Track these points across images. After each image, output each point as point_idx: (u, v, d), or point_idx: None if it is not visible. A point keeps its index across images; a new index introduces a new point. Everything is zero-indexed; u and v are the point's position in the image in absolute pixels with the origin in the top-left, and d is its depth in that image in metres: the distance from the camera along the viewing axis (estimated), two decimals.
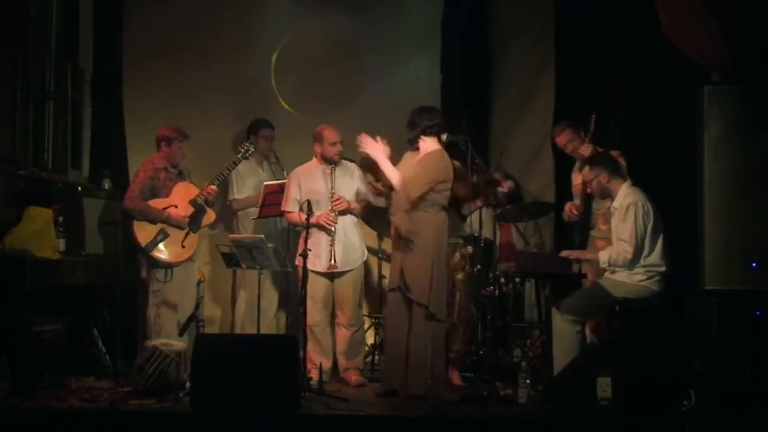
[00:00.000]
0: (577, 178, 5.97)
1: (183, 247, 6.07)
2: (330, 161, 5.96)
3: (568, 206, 6.01)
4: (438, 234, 5.46)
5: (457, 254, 5.85)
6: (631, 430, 4.74)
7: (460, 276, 5.84)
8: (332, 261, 5.80)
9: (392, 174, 5.46)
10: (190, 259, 6.17)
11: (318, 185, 5.95)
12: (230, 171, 6.25)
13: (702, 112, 5.05)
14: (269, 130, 6.85)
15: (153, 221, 6.02)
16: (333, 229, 5.83)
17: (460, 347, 5.86)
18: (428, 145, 5.54)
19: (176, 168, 6.18)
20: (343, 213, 5.91)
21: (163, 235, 5.99)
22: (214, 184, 6.14)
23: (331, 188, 5.89)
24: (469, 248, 5.89)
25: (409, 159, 5.59)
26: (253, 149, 6.30)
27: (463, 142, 5.76)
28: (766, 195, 4.99)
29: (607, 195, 5.49)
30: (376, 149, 5.47)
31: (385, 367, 5.68)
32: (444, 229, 5.49)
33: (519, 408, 5.08)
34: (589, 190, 5.58)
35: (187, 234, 6.09)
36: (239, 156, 6.21)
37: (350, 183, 6.00)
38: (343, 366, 6.02)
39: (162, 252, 6.01)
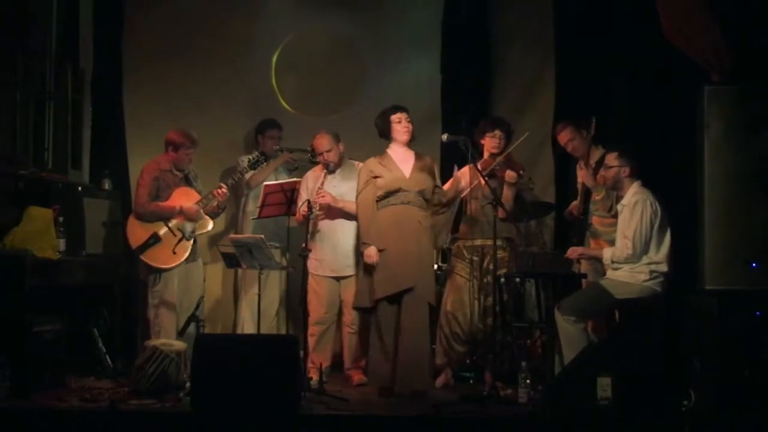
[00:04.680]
0: (581, 175, 5.96)
1: (174, 253, 6.05)
2: (325, 166, 6.04)
3: (572, 206, 6.05)
4: (430, 234, 5.62)
5: (489, 257, 5.82)
6: (631, 430, 4.74)
7: (490, 279, 5.82)
8: (305, 245, 5.75)
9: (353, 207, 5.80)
10: (193, 259, 6.17)
11: (316, 187, 6.05)
12: (237, 180, 6.30)
13: (702, 112, 5.05)
14: (276, 130, 6.86)
15: (167, 218, 6.03)
16: (311, 215, 5.80)
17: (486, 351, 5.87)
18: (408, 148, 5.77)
19: (181, 172, 6.18)
20: (333, 214, 5.97)
21: (154, 240, 5.99)
22: (223, 188, 6.13)
23: (319, 187, 5.98)
24: (502, 252, 5.85)
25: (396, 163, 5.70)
26: (264, 160, 6.32)
27: (463, 142, 5.75)
28: (766, 195, 4.99)
29: (618, 188, 5.49)
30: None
31: (376, 367, 5.65)
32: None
33: (519, 408, 5.09)
34: (602, 173, 5.56)
35: (180, 240, 6.06)
36: (247, 166, 6.27)
37: (352, 185, 6.02)
38: (346, 365, 6.08)
39: (151, 257, 6.01)
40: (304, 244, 5.67)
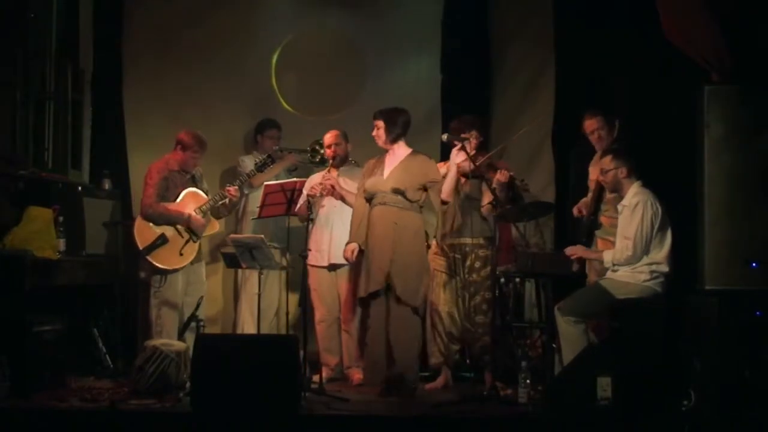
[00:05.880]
0: (594, 173, 5.93)
1: (181, 254, 6.04)
2: (332, 159, 6.14)
3: (582, 203, 6.00)
4: (423, 234, 5.63)
5: (472, 255, 5.81)
6: (631, 430, 4.74)
7: (475, 277, 5.81)
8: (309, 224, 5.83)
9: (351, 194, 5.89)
10: (197, 259, 6.16)
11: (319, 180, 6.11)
12: (245, 181, 6.31)
13: (702, 112, 5.04)
14: (275, 130, 6.87)
15: (174, 224, 6.02)
16: (311, 214, 5.89)
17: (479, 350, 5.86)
18: (404, 148, 5.72)
19: (188, 172, 6.18)
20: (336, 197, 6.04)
21: (162, 241, 5.98)
22: (233, 187, 6.15)
23: (326, 174, 6.07)
24: (485, 251, 5.83)
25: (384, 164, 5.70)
26: (271, 162, 6.33)
27: (463, 142, 5.75)
28: (766, 195, 4.99)
29: (618, 190, 5.47)
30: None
31: (370, 365, 5.69)
32: (423, 228, 5.66)
33: (519, 408, 5.08)
34: (601, 178, 5.54)
35: (187, 242, 6.06)
36: (254, 168, 6.29)
37: (351, 185, 6.05)
38: (345, 364, 6.09)
39: (158, 258, 6.00)
40: (305, 244, 5.67)
